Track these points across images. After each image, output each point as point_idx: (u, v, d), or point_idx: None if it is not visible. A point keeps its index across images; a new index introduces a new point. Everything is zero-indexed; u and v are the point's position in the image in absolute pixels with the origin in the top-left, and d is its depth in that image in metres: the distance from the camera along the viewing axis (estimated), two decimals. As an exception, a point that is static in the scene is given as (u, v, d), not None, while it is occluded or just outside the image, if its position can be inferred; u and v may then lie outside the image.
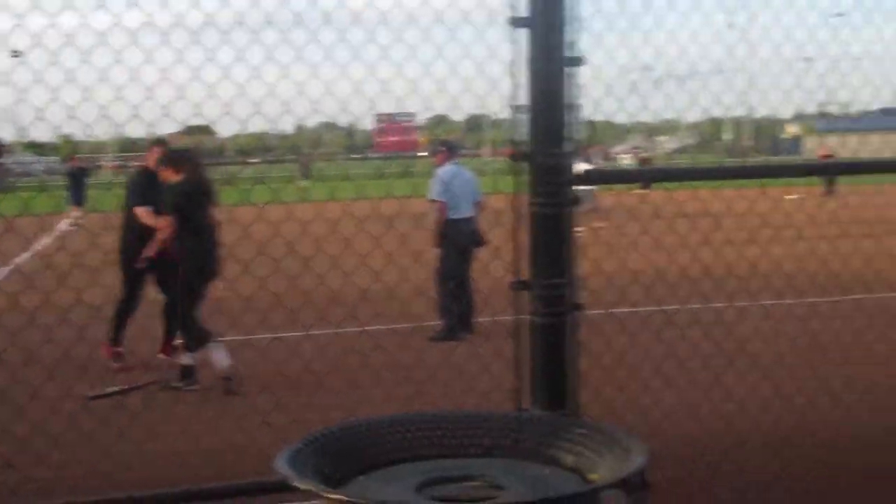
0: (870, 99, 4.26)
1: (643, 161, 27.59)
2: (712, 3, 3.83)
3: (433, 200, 9.23)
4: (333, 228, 4.24)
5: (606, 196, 17.56)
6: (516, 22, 2.87)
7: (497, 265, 3.80)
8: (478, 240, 9.33)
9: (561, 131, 2.94)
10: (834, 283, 5.82)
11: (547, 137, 2.91)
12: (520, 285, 3.18)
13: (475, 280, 8.95)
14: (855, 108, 4.76)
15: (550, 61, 2.86)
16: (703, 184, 4.20)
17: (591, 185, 3.19)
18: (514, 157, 2.98)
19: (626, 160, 31.25)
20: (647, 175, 6.14)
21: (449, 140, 10.10)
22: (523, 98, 2.97)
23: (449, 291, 9.25)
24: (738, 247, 4.03)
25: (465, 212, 9.32)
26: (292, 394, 6.15)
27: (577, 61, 2.99)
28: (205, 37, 3.37)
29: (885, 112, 4.93)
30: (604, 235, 3.44)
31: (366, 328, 6.95)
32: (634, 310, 4.25)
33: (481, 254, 8.61)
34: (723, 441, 4.79)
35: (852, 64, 4.07)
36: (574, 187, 3.09)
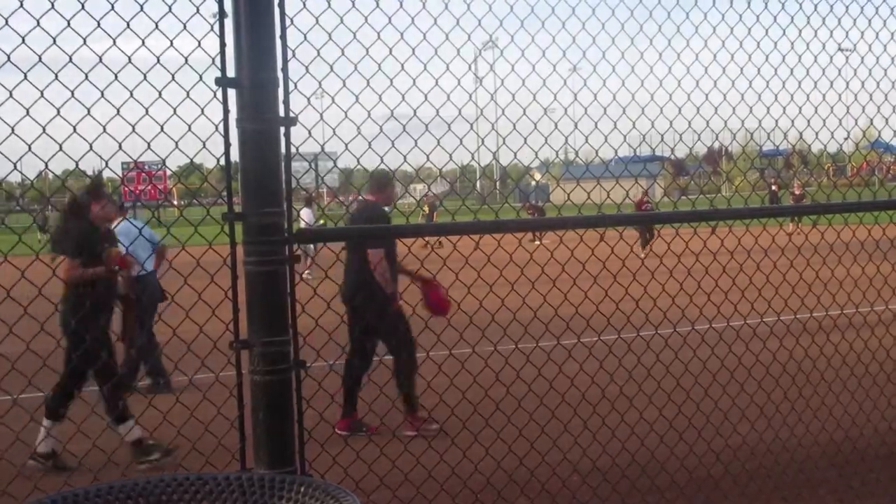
0: (608, 149, 4.56)
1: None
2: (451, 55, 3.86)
3: None
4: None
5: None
6: (223, 82, 2.86)
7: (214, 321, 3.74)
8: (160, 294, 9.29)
9: (274, 190, 2.94)
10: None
11: (259, 197, 2.91)
12: (240, 344, 3.14)
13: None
14: (595, 158, 5.11)
15: (259, 121, 2.86)
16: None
17: (304, 243, 3.21)
18: (227, 216, 2.95)
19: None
20: (361, 232, 5.84)
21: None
22: (235, 156, 2.96)
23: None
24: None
25: (149, 266, 9.23)
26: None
27: (290, 121, 3.02)
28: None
29: (620, 161, 5.37)
30: (318, 286, 3.47)
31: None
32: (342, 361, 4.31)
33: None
34: (453, 488, 4.92)
35: (592, 115, 4.33)
36: (293, 244, 3.10)
